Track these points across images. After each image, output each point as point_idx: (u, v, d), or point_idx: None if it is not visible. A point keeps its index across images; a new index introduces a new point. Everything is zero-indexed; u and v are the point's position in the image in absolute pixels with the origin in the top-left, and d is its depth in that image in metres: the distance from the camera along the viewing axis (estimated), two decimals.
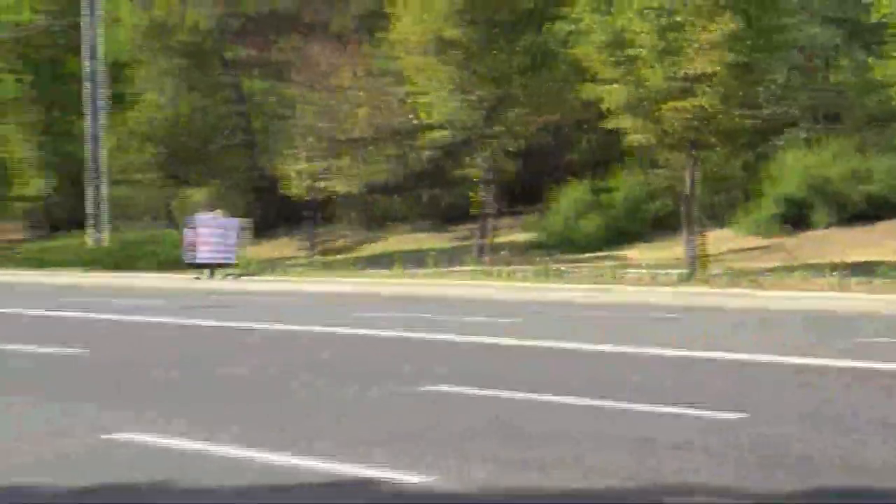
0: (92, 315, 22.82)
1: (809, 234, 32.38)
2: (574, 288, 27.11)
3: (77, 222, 42.62)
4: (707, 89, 27.64)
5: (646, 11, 27.94)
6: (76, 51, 41.32)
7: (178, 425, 9.86)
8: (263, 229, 39.72)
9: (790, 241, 32.08)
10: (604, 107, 29.71)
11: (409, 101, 35.74)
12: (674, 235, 32.51)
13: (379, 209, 42.31)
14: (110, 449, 8.99)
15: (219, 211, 34.66)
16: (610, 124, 30.22)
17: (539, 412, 10.48)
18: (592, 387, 11.85)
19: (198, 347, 17.54)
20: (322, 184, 37.50)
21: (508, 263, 32.83)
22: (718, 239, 31.98)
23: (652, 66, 27.99)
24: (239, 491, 7.55)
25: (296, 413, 10.89)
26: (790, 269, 27.80)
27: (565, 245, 34.85)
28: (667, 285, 26.53)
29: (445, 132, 34.42)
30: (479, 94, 33.79)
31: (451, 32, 33.21)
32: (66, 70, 43.85)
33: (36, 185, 46.66)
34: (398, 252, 37.21)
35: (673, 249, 31.52)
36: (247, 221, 35.02)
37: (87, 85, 39.37)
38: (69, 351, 16.05)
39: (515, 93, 33.97)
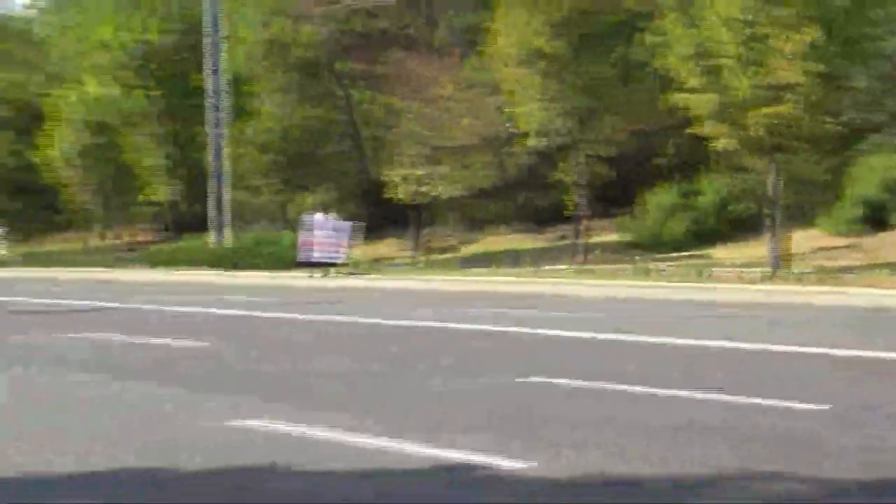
0: (215, 311, 23.15)
1: (888, 234, 31.77)
2: (663, 286, 26.99)
3: (200, 225, 43.21)
4: (791, 97, 27.32)
5: (730, 23, 27.63)
6: (200, 67, 41.89)
7: (292, 412, 9.93)
8: (371, 231, 39.88)
9: (869, 241, 31.51)
10: (690, 114, 29.57)
11: (506, 110, 35.73)
12: (757, 235, 32.20)
13: (478, 212, 42.23)
14: (232, 434, 9.09)
15: (331, 214, 35.05)
16: (696, 130, 30.00)
17: (635, 402, 10.31)
18: (689, 380, 11.54)
19: (310, 340, 17.67)
20: (425, 188, 37.58)
21: (601, 263, 32.77)
22: (800, 238, 31.50)
23: (737, 76, 27.71)
24: (349, 473, 7.60)
25: (402, 401, 10.96)
26: (870, 268, 27.44)
27: (654, 245, 34.59)
28: (752, 282, 26.31)
29: (540, 139, 34.34)
30: (572, 104, 33.68)
31: (544, 45, 33.19)
32: (191, 85, 44.35)
33: (163, 190, 47.26)
34: (495, 252, 37.30)
35: (757, 249, 31.22)
36: (356, 223, 35.33)
37: (209, 98, 39.95)
38: (195, 344, 16.32)
39: (606, 102, 33.80)
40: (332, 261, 33.78)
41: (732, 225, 35.13)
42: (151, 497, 7.32)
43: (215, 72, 40.05)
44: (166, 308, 24.27)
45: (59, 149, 48.68)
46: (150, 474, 7.85)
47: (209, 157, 40.95)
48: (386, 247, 42.26)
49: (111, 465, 8.07)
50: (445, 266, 36.06)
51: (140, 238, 54.32)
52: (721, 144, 29.58)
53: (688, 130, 30.83)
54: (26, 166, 51.22)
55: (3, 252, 47.17)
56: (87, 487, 7.59)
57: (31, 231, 54.55)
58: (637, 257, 32.79)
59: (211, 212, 40.82)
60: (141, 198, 48.75)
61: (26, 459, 8.19)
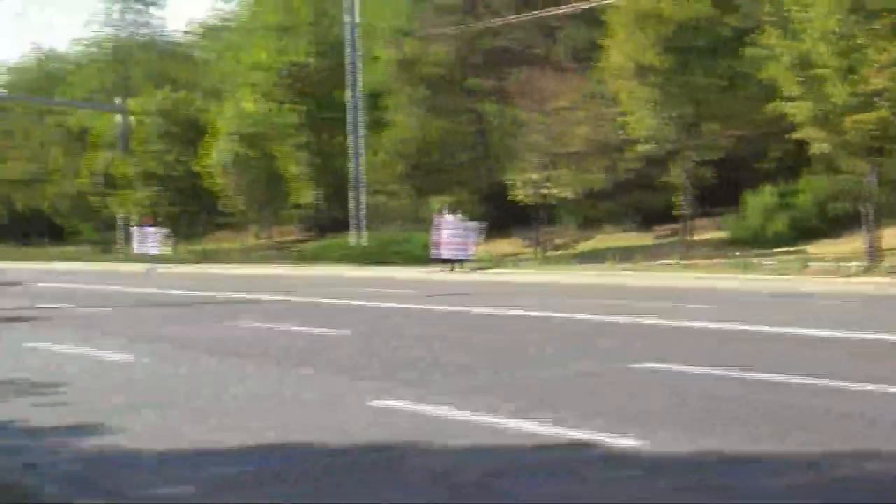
0: (353, 302, 23.50)
1: None
2: (765, 279, 26.93)
3: (342, 225, 44.14)
4: (885, 103, 27.06)
5: (827, 35, 27.46)
6: (341, 84, 42.76)
7: (427, 395, 10.09)
8: (495, 230, 40.33)
9: None
10: (791, 120, 29.47)
11: (619, 119, 35.88)
12: (852, 233, 31.75)
13: (592, 212, 42.35)
14: (378, 414, 9.30)
15: (459, 215, 35.50)
16: (797, 136, 29.96)
17: (745, 386, 10.20)
18: (794, 365, 11.30)
19: (441, 329, 17.69)
20: (544, 190, 37.87)
21: (706, 258, 32.70)
22: (892, 235, 31.00)
23: (834, 84, 27.51)
24: (483, 449, 7.77)
25: (524, 385, 10.99)
26: None
27: (755, 242, 34.38)
28: (848, 276, 26.07)
29: (649, 145, 34.47)
30: (679, 112, 33.75)
31: (654, 60, 33.30)
32: (333, 100, 45.22)
33: (308, 195, 48.23)
34: (609, 248, 37.35)
35: (853, 245, 30.74)
36: (482, 223, 35.81)
37: (349, 112, 40.78)
38: (339, 332, 16.56)
39: (712, 110, 33.79)
40: (461, 257, 34.28)
41: (829, 223, 34.69)
42: (311, 469, 7.49)
43: (354, 88, 40.85)
44: (305, 300, 24.80)
45: (216, 158, 49.95)
46: (291, 449, 8.14)
47: (349, 164, 41.80)
48: (508, 244, 42.59)
49: (271, 440, 8.32)
50: (562, 262, 36.23)
51: (288, 238, 55.56)
52: (819, 148, 29.38)
53: (788, 136, 30.74)
54: (189, 174, 52.72)
55: (167, 251, 48.59)
56: (253, 460, 7.82)
57: (193, 232, 56.02)
58: (738, 253, 32.62)
59: (351, 213, 41.71)
60: (289, 202, 49.92)
61: (200, 437, 8.55)
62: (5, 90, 78.51)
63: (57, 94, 71.68)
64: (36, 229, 69.53)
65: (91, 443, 8.59)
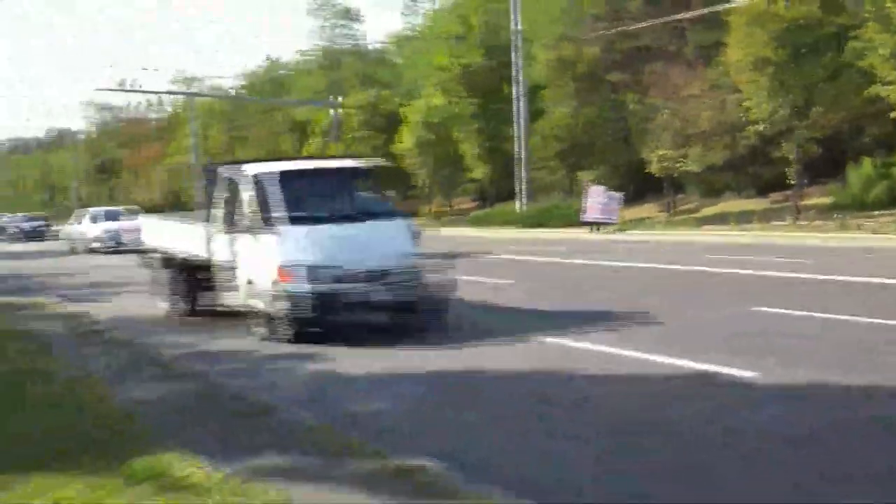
0: (517, 258, 23.90)
1: None
2: (865, 237, 26.29)
3: (508, 196, 44.70)
4: None
5: None
6: (507, 80, 43.14)
7: (578, 334, 10.05)
8: (633, 199, 40.33)
9: None
10: (888, 101, 28.68)
11: (739, 104, 35.33)
12: None
13: (715, 182, 41.69)
14: (548, 349, 9.57)
15: (604, 186, 35.69)
16: (893, 115, 29.07)
17: (846, 327, 10.01)
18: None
19: (591, 277, 17.89)
20: (675, 165, 37.70)
21: (813, 220, 32.00)
22: None
23: None
24: (626, 377, 8.02)
25: (654, 323, 10.98)
26: None
27: (857, 207, 33.37)
28: None
29: (765, 126, 33.84)
30: (791, 98, 33.00)
31: (770, 54, 32.64)
32: (500, 94, 45.59)
33: (481, 171, 48.74)
34: (729, 213, 36.78)
35: None
36: (622, 193, 35.94)
37: (514, 103, 41.09)
38: (503, 282, 16.78)
39: (819, 96, 32.95)
40: (605, 221, 34.51)
41: None
42: (464, 389, 7.87)
43: (518, 83, 41.14)
44: (485, 257, 25.13)
45: (408, 142, 51.18)
46: (474, 374, 8.42)
47: (514, 146, 42.24)
48: (644, 210, 42.27)
49: (436, 365, 8.62)
50: (689, 224, 35.84)
51: (464, 206, 56.42)
52: None
53: (888, 115, 29.92)
54: (386, 156, 54.04)
55: None
56: (421, 381, 8.17)
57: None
58: (838, 216, 31.77)
59: (516, 186, 42.17)
60: (465, 177, 50.80)
61: (382, 361, 9.34)
62: (244, 92, 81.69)
63: (283, 94, 74.29)
64: None
65: (313, 367, 9.16)
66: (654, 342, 9.54)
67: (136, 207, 42.28)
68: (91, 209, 41.56)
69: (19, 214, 67.10)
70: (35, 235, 55.16)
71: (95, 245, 35.45)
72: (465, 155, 48.78)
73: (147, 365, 9.16)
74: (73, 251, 36.74)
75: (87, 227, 37.15)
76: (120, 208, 41.49)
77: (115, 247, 33.43)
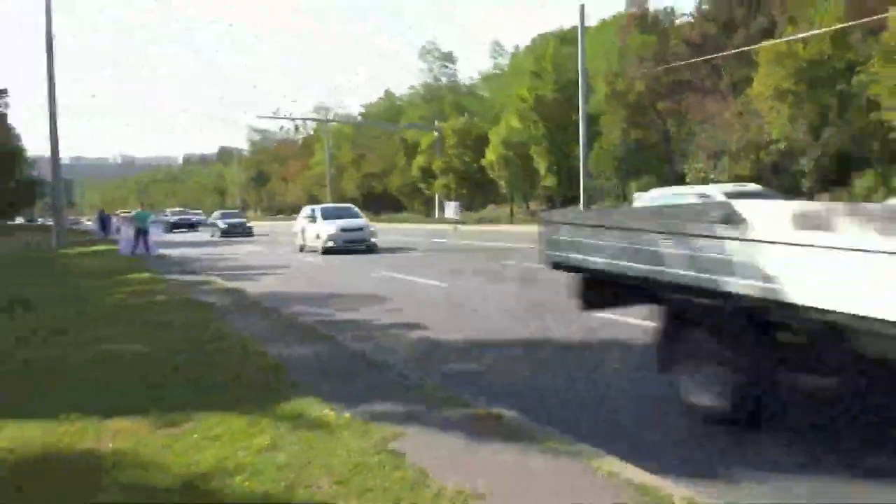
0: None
1: None
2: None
3: (572, 201, 44.16)
4: None
5: None
6: (572, 108, 42.51)
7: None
8: None
9: None
10: (889, 125, 27.55)
11: (763, 128, 34.41)
12: None
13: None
14: (590, 320, 9.61)
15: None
16: (893, 136, 27.90)
17: None
18: None
19: None
20: (710, 176, 36.88)
21: None
22: None
23: None
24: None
25: None
26: None
27: None
28: None
29: (784, 144, 32.93)
30: (807, 122, 31.98)
31: (789, 86, 31.68)
32: (567, 119, 45.13)
33: (550, 180, 48.20)
34: None
35: None
36: None
37: (580, 126, 40.60)
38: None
39: (830, 119, 31.82)
40: None
41: None
42: (540, 355, 7.70)
43: (582, 112, 40.61)
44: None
45: (492, 158, 51.11)
46: (544, 343, 8.37)
47: (578, 162, 41.72)
48: None
49: (517, 335, 8.41)
50: None
51: (536, 208, 56.00)
52: None
53: (888, 135, 28.73)
54: (474, 169, 54.29)
55: (460, 218, 49.92)
56: (505, 348, 7.94)
57: (474, 205, 57.40)
58: None
59: (581, 193, 41.70)
60: (538, 185, 50.34)
61: (475, 333, 8.74)
62: (366, 118, 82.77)
63: (396, 120, 75.01)
64: (384, 205, 73.32)
65: (419, 335, 9.14)
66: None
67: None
68: (314, 207, 29.28)
69: (217, 212, 57.85)
70: (239, 232, 44.29)
71: (329, 244, 25.07)
72: (538, 168, 48.37)
73: (290, 329, 9.33)
74: (301, 250, 27.07)
75: (320, 226, 26.04)
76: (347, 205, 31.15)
77: (350, 245, 24.92)
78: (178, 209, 68.95)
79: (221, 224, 45.75)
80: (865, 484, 4.29)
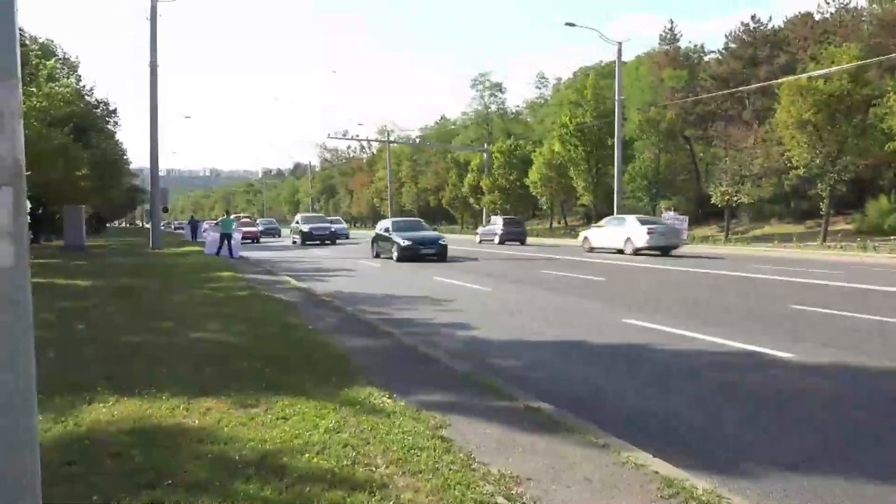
0: (602, 261, 22.91)
1: None
2: (883, 255, 24.32)
3: (603, 216, 43.61)
4: None
5: None
6: (608, 134, 42.10)
7: (656, 317, 9.94)
8: (699, 221, 38.79)
9: None
10: None
11: (784, 153, 33.54)
12: None
13: (763, 211, 39.81)
14: (625, 328, 9.31)
15: (676, 212, 34.37)
16: None
17: (869, 324, 9.17)
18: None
19: (657, 282, 16.90)
20: (734, 198, 36.08)
21: (840, 241, 29.92)
22: None
23: None
24: (691, 352, 7.52)
25: (709, 313, 10.39)
26: None
27: (876, 233, 31.03)
28: None
29: (804, 170, 32.00)
30: (826, 149, 31.02)
31: (810, 117, 30.79)
32: (604, 143, 44.66)
33: (587, 198, 47.91)
34: (773, 234, 34.87)
35: None
36: (686, 217, 34.55)
37: (616, 150, 40.13)
38: (594, 278, 16.34)
39: (848, 148, 30.83)
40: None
41: None
42: (572, 354, 7.62)
43: (617, 136, 40.14)
44: (574, 258, 24.46)
45: (535, 177, 50.70)
46: (576, 344, 8.22)
47: (613, 181, 41.13)
48: (706, 231, 40.74)
49: (561, 336, 8.65)
50: (741, 242, 34.19)
51: (574, 224, 55.52)
52: None
53: None
54: (519, 187, 53.91)
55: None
56: (540, 347, 8.23)
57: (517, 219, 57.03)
58: (859, 239, 29.52)
59: (615, 210, 41.10)
60: (577, 203, 49.89)
61: (523, 333, 9.02)
62: (424, 140, 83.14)
63: (450, 142, 75.23)
64: (436, 217, 73.49)
65: (466, 333, 9.04)
66: (713, 329, 9.00)
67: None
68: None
69: (313, 215, 47.38)
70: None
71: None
72: (577, 187, 47.98)
73: (355, 324, 9.37)
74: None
75: (632, 228, 25.11)
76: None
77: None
78: (311, 215, 44.55)
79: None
80: None
